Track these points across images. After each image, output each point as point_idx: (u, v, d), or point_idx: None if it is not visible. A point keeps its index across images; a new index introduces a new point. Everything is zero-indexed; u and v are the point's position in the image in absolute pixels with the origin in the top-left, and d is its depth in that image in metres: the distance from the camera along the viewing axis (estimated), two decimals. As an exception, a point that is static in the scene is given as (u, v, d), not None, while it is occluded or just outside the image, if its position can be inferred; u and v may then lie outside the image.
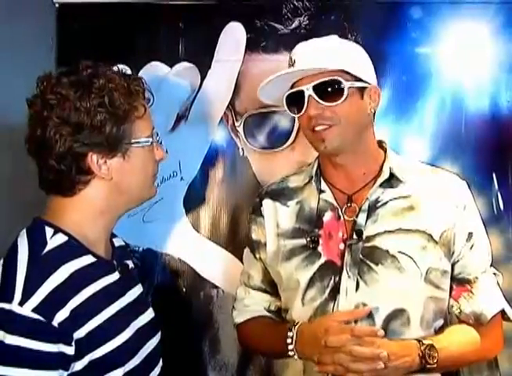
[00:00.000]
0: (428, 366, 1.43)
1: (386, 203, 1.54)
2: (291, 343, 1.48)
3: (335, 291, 1.51)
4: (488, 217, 1.91)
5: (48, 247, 1.24)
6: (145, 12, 2.07)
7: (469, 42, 1.98)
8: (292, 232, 1.60)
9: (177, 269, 2.08)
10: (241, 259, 1.79)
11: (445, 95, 1.98)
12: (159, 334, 1.47)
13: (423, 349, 1.43)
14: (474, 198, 1.62)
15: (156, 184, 1.44)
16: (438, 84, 1.98)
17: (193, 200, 2.08)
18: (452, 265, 1.55)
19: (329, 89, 1.48)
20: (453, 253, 1.54)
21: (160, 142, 1.43)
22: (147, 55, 2.07)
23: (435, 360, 1.43)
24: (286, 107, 1.56)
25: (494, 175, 1.96)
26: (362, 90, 1.51)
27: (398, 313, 1.49)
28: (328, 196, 1.57)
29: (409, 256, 1.50)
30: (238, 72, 2.04)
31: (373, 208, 1.54)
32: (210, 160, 2.07)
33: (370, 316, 1.49)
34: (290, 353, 1.48)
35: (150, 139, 1.35)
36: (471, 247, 1.55)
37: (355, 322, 1.48)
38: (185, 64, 2.06)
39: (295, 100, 1.52)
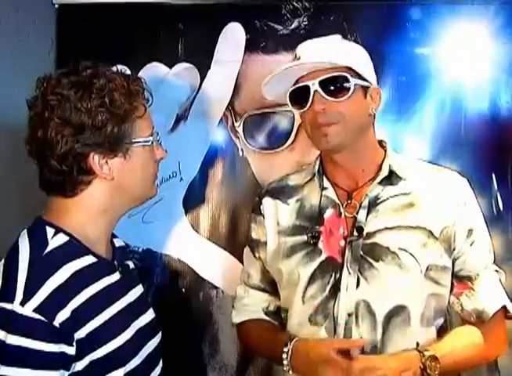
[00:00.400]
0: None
1: (386, 199, 1.55)
2: (286, 358, 1.48)
3: (336, 288, 1.52)
4: (488, 217, 1.90)
5: (50, 248, 1.25)
6: (144, 13, 2.07)
7: (468, 43, 1.98)
8: (292, 229, 1.61)
9: (176, 270, 2.08)
10: (241, 260, 1.79)
11: (444, 95, 1.99)
12: (159, 334, 1.47)
13: (424, 361, 1.43)
14: (475, 195, 1.62)
15: (156, 184, 1.44)
16: (438, 84, 1.98)
17: (193, 200, 2.08)
18: (453, 262, 1.55)
19: (335, 85, 1.48)
20: (454, 249, 1.54)
21: (160, 143, 1.43)
22: (147, 55, 2.07)
23: (436, 372, 1.43)
24: (289, 103, 1.55)
25: (493, 176, 1.96)
26: (365, 89, 1.52)
27: (398, 310, 1.49)
28: (330, 192, 1.58)
29: (410, 253, 1.50)
30: (237, 72, 2.04)
31: (373, 205, 1.54)
32: (209, 161, 2.07)
33: (371, 312, 1.49)
34: (285, 368, 1.49)
35: (151, 139, 1.35)
36: (472, 244, 1.55)
37: (356, 317, 1.49)
38: (184, 65, 2.06)
39: (299, 96, 1.52)
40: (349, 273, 1.51)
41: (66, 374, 1.21)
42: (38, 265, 1.22)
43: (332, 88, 1.48)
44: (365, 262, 1.51)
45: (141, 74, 1.97)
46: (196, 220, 2.08)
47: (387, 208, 1.54)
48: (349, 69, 1.49)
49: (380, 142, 1.62)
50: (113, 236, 1.46)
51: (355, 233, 1.53)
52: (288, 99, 1.55)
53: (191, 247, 2.08)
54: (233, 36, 2.04)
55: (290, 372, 1.49)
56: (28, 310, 1.16)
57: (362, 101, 1.52)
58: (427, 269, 1.51)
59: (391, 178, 1.56)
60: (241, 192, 2.05)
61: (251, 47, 2.04)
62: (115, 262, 1.39)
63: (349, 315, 1.50)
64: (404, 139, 1.99)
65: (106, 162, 1.29)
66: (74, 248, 1.28)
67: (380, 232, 1.52)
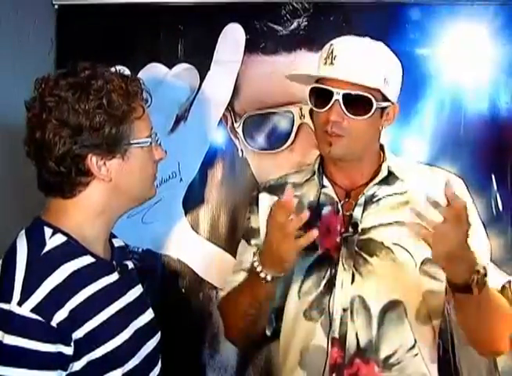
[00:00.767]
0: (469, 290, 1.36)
1: (382, 198, 1.57)
2: (258, 265, 1.45)
3: (331, 284, 1.53)
4: (487, 218, 1.92)
5: (47, 248, 1.25)
6: (144, 14, 2.08)
7: (468, 44, 1.98)
8: None
9: (176, 270, 2.08)
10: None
11: (444, 96, 1.99)
12: (158, 334, 1.47)
13: (477, 276, 1.35)
14: (472, 198, 1.63)
15: (156, 185, 1.44)
16: (437, 85, 1.98)
17: (193, 201, 2.08)
18: None
19: (358, 103, 1.48)
20: None
21: (159, 143, 1.43)
22: (146, 56, 2.07)
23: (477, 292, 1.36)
24: (307, 97, 1.54)
25: (493, 176, 1.96)
26: (384, 109, 1.53)
27: (393, 305, 1.51)
28: (329, 190, 1.60)
29: (404, 248, 1.52)
30: (237, 73, 2.05)
31: (368, 202, 1.56)
32: (209, 161, 2.07)
33: (366, 307, 1.50)
34: (262, 275, 1.45)
35: (149, 140, 1.35)
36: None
37: (351, 312, 1.50)
38: (184, 65, 2.07)
39: (320, 95, 1.51)
40: (344, 269, 1.53)
41: (64, 374, 1.20)
42: (36, 265, 1.22)
43: (353, 105, 1.48)
44: (360, 258, 1.53)
45: (140, 74, 1.98)
46: (195, 220, 2.08)
47: (383, 206, 1.56)
48: (377, 90, 1.48)
49: (380, 147, 1.63)
50: (113, 236, 1.46)
51: (350, 229, 1.55)
52: (308, 92, 1.54)
53: (191, 247, 2.08)
54: (233, 37, 2.04)
55: (267, 276, 1.44)
56: (25, 310, 1.16)
57: (376, 121, 1.53)
58: (422, 263, 1.52)
59: (389, 178, 1.58)
60: (241, 192, 2.05)
61: (251, 47, 2.04)
62: (114, 262, 1.38)
63: (344, 310, 1.51)
64: (403, 139, 1.99)
65: (104, 163, 1.29)
66: (72, 248, 1.28)
67: (374, 228, 1.54)
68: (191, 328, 2.08)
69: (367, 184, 1.58)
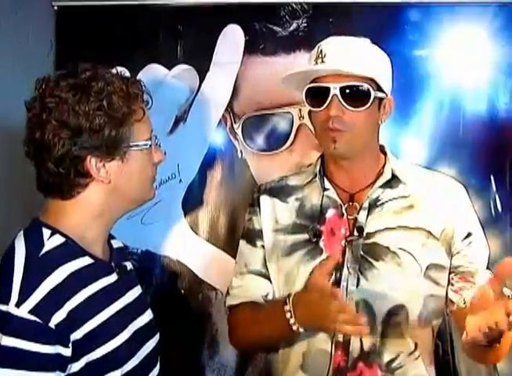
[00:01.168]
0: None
1: (386, 202, 1.56)
2: (290, 313, 1.44)
3: (336, 287, 1.50)
4: (487, 219, 1.92)
5: (46, 249, 1.24)
6: (143, 15, 2.08)
7: (467, 45, 1.98)
8: (293, 227, 1.60)
9: (175, 271, 2.09)
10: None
11: (443, 97, 1.99)
12: (157, 335, 1.47)
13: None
14: (471, 200, 1.63)
15: (155, 186, 1.44)
16: (436, 86, 1.99)
17: (192, 202, 2.08)
18: (452, 260, 1.55)
19: (355, 95, 1.48)
20: (452, 247, 1.55)
21: (159, 145, 1.43)
22: (146, 57, 2.08)
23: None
24: (304, 99, 1.54)
25: (492, 177, 1.97)
26: (380, 100, 1.53)
27: (397, 309, 1.50)
28: (332, 193, 1.58)
29: (409, 253, 1.52)
30: (236, 74, 2.05)
31: (373, 206, 1.55)
32: (208, 163, 2.08)
33: (371, 311, 1.50)
34: (294, 327, 1.43)
35: (149, 142, 1.35)
36: (470, 244, 1.56)
37: (357, 311, 1.48)
38: (183, 66, 2.07)
39: (317, 95, 1.51)
40: (349, 273, 1.52)
41: (63, 375, 1.20)
42: (34, 267, 1.22)
43: (352, 97, 1.47)
44: (365, 262, 1.52)
45: (140, 75, 1.98)
46: (195, 222, 2.08)
47: (388, 210, 1.55)
48: (371, 80, 1.49)
49: (380, 147, 1.63)
50: (112, 237, 1.46)
51: (356, 233, 1.54)
52: (304, 94, 1.54)
53: (190, 248, 2.08)
54: (232, 38, 2.05)
55: (300, 329, 1.43)
56: (23, 312, 1.16)
57: (375, 113, 1.52)
58: (426, 268, 1.52)
59: (392, 181, 1.57)
60: (240, 193, 2.05)
61: (250, 49, 2.05)
62: (112, 263, 1.38)
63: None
64: (402, 140, 2.00)
65: (104, 165, 1.29)
66: (71, 249, 1.27)
67: (380, 232, 1.54)
68: (190, 329, 2.08)
69: (370, 186, 1.57)
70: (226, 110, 2.06)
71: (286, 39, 2.03)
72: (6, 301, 1.17)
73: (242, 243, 1.70)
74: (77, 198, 1.30)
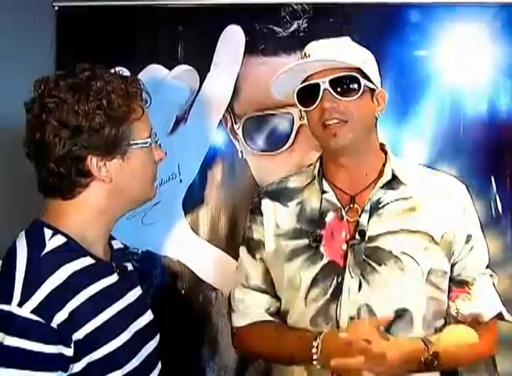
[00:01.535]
0: (427, 371, 1.46)
1: (387, 204, 1.55)
2: (316, 353, 1.45)
3: (337, 292, 1.52)
4: (487, 220, 1.92)
5: (47, 249, 1.24)
6: (144, 15, 2.08)
7: (467, 45, 1.98)
8: (293, 232, 1.60)
9: (176, 271, 2.08)
10: (238, 259, 1.79)
11: (443, 98, 1.99)
12: (158, 336, 1.47)
13: (427, 356, 1.44)
14: (472, 201, 1.62)
15: (156, 186, 1.44)
16: (437, 87, 1.98)
17: (192, 202, 2.08)
18: (452, 267, 1.56)
19: (345, 85, 1.49)
20: (453, 254, 1.55)
21: (159, 145, 1.43)
22: (146, 57, 2.07)
23: (433, 365, 1.45)
24: (296, 101, 1.54)
25: (492, 178, 1.97)
26: (372, 92, 1.53)
27: (401, 313, 1.50)
28: (331, 196, 1.58)
29: (412, 257, 1.51)
30: (237, 75, 2.05)
31: (375, 209, 1.55)
32: (209, 163, 2.07)
33: (373, 315, 1.49)
34: (315, 362, 1.45)
35: (149, 140, 1.35)
36: (470, 249, 1.56)
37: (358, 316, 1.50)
38: (184, 67, 2.07)
39: (308, 94, 1.51)
40: (351, 277, 1.51)
41: (65, 375, 1.20)
42: (36, 267, 1.22)
43: (342, 87, 1.49)
44: (367, 266, 1.52)
45: (140, 76, 1.97)
46: (195, 222, 2.08)
47: (389, 212, 1.54)
48: (358, 70, 1.49)
49: (381, 146, 1.63)
50: (112, 238, 1.46)
51: (357, 237, 1.53)
52: (296, 97, 1.54)
53: (190, 248, 2.08)
54: (233, 38, 2.04)
55: (318, 366, 1.46)
56: (26, 311, 1.16)
57: (369, 103, 1.53)
58: (428, 273, 1.51)
59: (393, 182, 1.57)
60: (240, 194, 2.05)
61: (251, 49, 2.04)
62: (113, 264, 1.38)
63: (351, 318, 1.50)
64: (403, 141, 1.99)
65: (105, 164, 1.29)
66: (72, 250, 1.28)
67: (382, 236, 1.53)
68: (191, 329, 2.08)
69: (370, 187, 1.56)
70: (227, 110, 2.06)
71: (287, 40, 2.03)
72: (8, 301, 1.17)
73: (242, 250, 1.70)
74: (78, 198, 1.30)
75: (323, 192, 1.59)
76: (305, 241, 1.58)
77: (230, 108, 2.06)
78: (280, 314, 1.65)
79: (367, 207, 1.55)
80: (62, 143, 1.25)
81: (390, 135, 1.95)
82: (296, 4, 2.03)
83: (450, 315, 1.58)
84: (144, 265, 2.04)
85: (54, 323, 1.18)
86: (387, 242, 1.52)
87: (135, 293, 1.44)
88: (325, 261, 1.55)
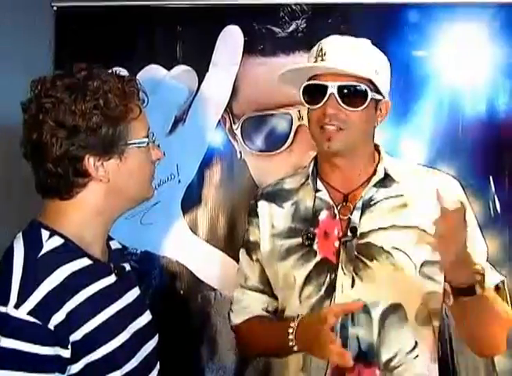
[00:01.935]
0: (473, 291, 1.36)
1: (379, 201, 1.56)
2: (292, 333, 1.46)
3: (331, 288, 1.53)
4: (485, 219, 1.92)
5: (44, 250, 1.24)
6: (142, 16, 2.08)
7: (466, 45, 1.98)
8: (288, 231, 1.61)
9: (174, 272, 2.09)
10: (239, 261, 1.79)
11: (442, 98, 1.99)
12: (156, 336, 1.47)
13: (479, 276, 1.36)
14: (469, 200, 1.63)
15: (154, 186, 1.44)
16: (436, 87, 1.99)
17: (191, 202, 2.08)
18: None
19: (353, 94, 1.49)
20: None
21: (158, 145, 1.43)
22: (145, 58, 2.08)
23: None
24: (301, 96, 1.54)
25: (491, 178, 1.97)
26: (377, 102, 1.53)
27: (394, 308, 1.51)
28: (324, 194, 1.59)
29: (403, 251, 1.52)
30: (235, 75, 2.05)
31: (366, 206, 1.56)
32: (207, 163, 2.08)
33: (367, 311, 1.50)
34: (290, 343, 1.46)
35: (146, 140, 1.35)
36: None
37: (352, 316, 1.50)
38: (182, 67, 2.07)
39: (314, 92, 1.51)
40: (344, 274, 1.53)
41: (62, 376, 1.21)
42: (33, 268, 1.21)
43: (349, 96, 1.48)
44: (359, 262, 1.53)
45: (139, 76, 1.97)
46: (194, 222, 2.08)
47: (381, 209, 1.56)
48: (369, 80, 1.49)
49: (375, 146, 1.63)
50: (110, 238, 1.45)
51: (349, 234, 1.54)
52: (301, 91, 1.54)
53: (189, 249, 2.08)
54: (231, 39, 2.04)
55: (295, 348, 1.47)
56: (22, 313, 1.16)
57: (371, 114, 1.53)
58: (421, 265, 1.52)
59: (385, 180, 1.57)
60: (239, 194, 2.05)
61: (249, 49, 2.05)
62: (111, 265, 1.38)
63: (345, 314, 1.50)
64: (401, 141, 2.00)
65: (102, 164, 1.29)
66: (69, 251, 1.27)
67: (373, 232, 1.54)
68: (189, 330, 2.08)
69: (363, 186, 1.57)
70: (225, 110, 2.06)
71: (286, 40, 2.03)
72: (5, 303, 1.17)
73: (242, 252, 1.73)
74: (76, 198, 1.30)
75: (317, 190, 1.60)
76: (299, 240, 1.59)
77: (229, 108, 2.06)
78: (278, 313, 1.66)
79: (359, 205, 1.56)
80: (59, 143, 1.25)
81: (389, 135, 1.96)
82: (295, 4, 2.03)
83: (450, 317, 1.58)
84: (143, 266, 2.04)
85: (51, 325, 1.17)
86: (378, 238, 1.53)
87: (134, 293, 1.44)
88: (318, 258, 1.56)
